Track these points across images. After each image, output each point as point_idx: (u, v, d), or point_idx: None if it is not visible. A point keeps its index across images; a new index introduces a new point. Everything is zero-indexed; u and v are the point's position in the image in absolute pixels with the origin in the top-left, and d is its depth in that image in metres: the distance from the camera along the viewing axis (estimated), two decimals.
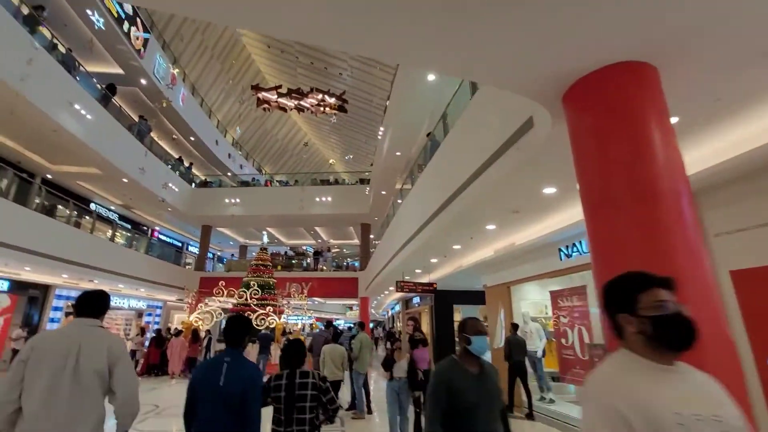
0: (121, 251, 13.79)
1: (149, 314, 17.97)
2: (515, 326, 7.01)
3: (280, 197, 17.96)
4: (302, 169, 24.90)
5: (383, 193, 14.55)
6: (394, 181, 13.71)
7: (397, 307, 18.81)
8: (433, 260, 8.30)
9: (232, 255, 25.56)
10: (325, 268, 19.92)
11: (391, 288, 13.91)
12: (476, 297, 12.35)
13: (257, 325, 12.48)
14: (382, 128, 11.50)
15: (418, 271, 9.64)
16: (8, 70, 7.90)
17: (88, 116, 10.77)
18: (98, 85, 12.06)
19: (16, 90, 8.29)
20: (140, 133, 14.05)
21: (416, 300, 14.72)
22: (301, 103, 22.52)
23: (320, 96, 21.91)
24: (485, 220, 5.55)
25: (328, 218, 18.21)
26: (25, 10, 9.26)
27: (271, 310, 13.07)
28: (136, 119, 14.58)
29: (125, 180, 13.32)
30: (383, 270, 11.55)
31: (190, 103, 18.24)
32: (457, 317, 12.40)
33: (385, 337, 12.56)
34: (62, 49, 10.36)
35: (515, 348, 6.52)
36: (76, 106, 10.33)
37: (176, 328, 14.26)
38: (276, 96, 22.53)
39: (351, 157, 22.89)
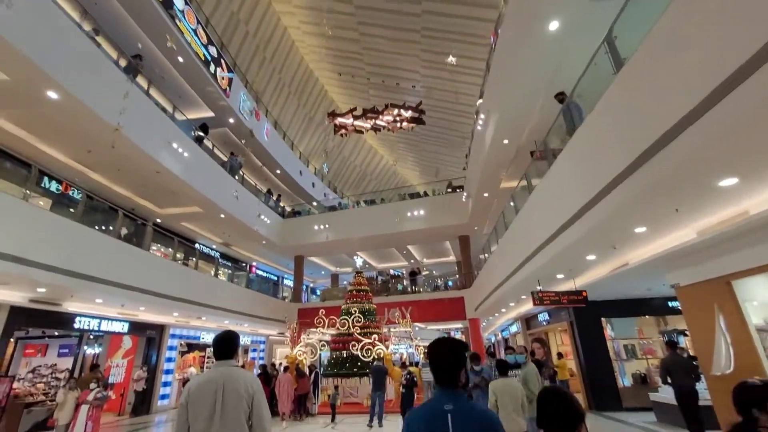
0: (224, 287, 13.82)
1: (254, 350, 17.92)
2: (673, 344, 6.26)
3: (369, 218, 17.07)
4: (383, 194, 24.19)
5: (485, 195, 12.72)
6: (499, 179, 11.84)
7: (513, 328, 16.31)
8: (590, 257, 6.24)
9: (324, 287, 25.40)
10: (421, 290, 18.36)
11: (512, 304, 11.77)
12: (631, 306, 9.72)
13: (363, 356, 11.23)
14: (482, 116, 9.88)
15: (559, 276, 7.58)
16: (113, 115, 8.03)
17: (186, 154, 10.94)
18: (193, 126, 12.46)
19: (126, 136, 8.47)
20: (232, 168, 14.28)
21: (543, 317, 12.29)
22: (377, 122, 21.97)
23: (396, 111, 21.14)
24: (717, 173, 3.55)
25: (423, 234, 16.75)
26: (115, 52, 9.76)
27: (376, 338, 11.78)
28: (227, 157, 14.94)
29: (222, 215, 13.45)
30: (505, 282, 9.59)
31: (273, 137, 18.62)
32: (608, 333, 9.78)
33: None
34: (162, 101, 10.83)
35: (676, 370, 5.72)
36: (174, 145, 10.52)
37: (281, 363, 13.67)
38: (352, 119, 22.32)
39: (438, 169, 21.50)
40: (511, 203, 9.52)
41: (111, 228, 9.53)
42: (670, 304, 9.75)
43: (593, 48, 5.60)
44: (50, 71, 6.87)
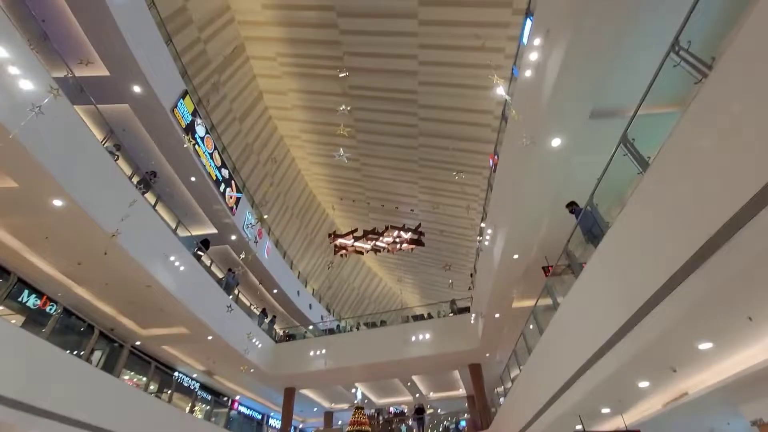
0: (200, 428, 11.68)
1: None
2: None
3: (370, 342, 15.63)
4: (383, 316, 22.93)
5: (497, 316, 11.83)
6: (511, 298, 11.16)
7: None
8: (643, 384, 5.23)
9: (315, 428, 21.93)
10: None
11: None
12: None
13: None
14: (488, 232, 9.79)
15: (605, 410, 6.32)
16: (112, 223, 7.82)
17: (182, 268, 10.43)
18: (194, 242, 12.26)
19: (122, 245, 8.13)
20: (228, 286, 13.60)
21: None
22: (377, 243, 22.24)
23: (395, 233, 21.58)
24: None
25: (430, 362, 15.10)
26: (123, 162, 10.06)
27: None
28: (224, 273, 14.39)
29: (211, 337, 12.21)
30: (535, 421, 8.08)
31: (273, 255, 18.40)
32: None
33: None
34: (166, 215, 10.86)
35: None
36: (172, 258, 10.10)
37: None
38: (352, 240, 22.62)
39: (452, 282, 20.73)
40: (531, 326, 8.72)
41: (82, 352, 8.40)
42: None
43: (600, 159, 5.75)
44: (62, 181, 6.87)
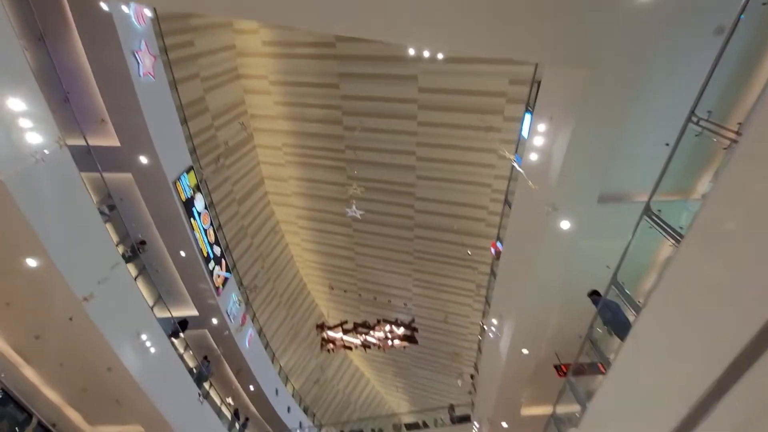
0: None
1: None
2: None
3: None
4: (372, 423, 20.19)
5: (504, 426, 10.39)
6: (520, 402, 9.94)
7: None
8: None
9: None
10: None
11: None
12: None
13: None
14: (494, 322, 9.10)
15: None
16: (85, 287, 7.11)
17: (152, 350, 9.27)
18: (172, 321, 11.20)
19: (88, 315, 7.29)
20: (200, 377, 12.07)
21: None
22: (368, 337, 20.87)
23: (387, 327, 20.41)
24: None
25: None
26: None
27: None
28: (198, 360, 12.90)
29: None
30: None
31: (255, 345, 16.86)
32: None
33: None
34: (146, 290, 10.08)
35: None
36: (143, 337, 9.04)
37: None
38: (341, 333, 21.25)
39: (461, 379, 18.67)
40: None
41: None
42: None
43: (610, 246, 5.60)
44: (44, 240, 6.39)
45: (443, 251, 18.57)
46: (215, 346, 14.72)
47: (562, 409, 7.52)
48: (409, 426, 14.42)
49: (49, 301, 7.11)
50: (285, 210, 20.89)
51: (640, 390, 4.55)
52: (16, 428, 7.26)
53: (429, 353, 23.54)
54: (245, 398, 16.84)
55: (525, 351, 8.39)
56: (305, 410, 22.06)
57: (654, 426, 4.08)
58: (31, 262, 6.61)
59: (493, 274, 9.45)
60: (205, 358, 13.14)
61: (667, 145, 5.82)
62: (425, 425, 14.40)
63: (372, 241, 20.07)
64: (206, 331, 14.25)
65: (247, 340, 15.79)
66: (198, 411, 11.55)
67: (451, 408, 14.80)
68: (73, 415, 10.04)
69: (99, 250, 7.67)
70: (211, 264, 12.89)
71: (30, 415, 7.59)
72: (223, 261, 13.88)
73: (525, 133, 7.25)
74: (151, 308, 9.75)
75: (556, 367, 8.53)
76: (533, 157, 6.32)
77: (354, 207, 8.07)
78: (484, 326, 11.08)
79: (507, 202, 8.15)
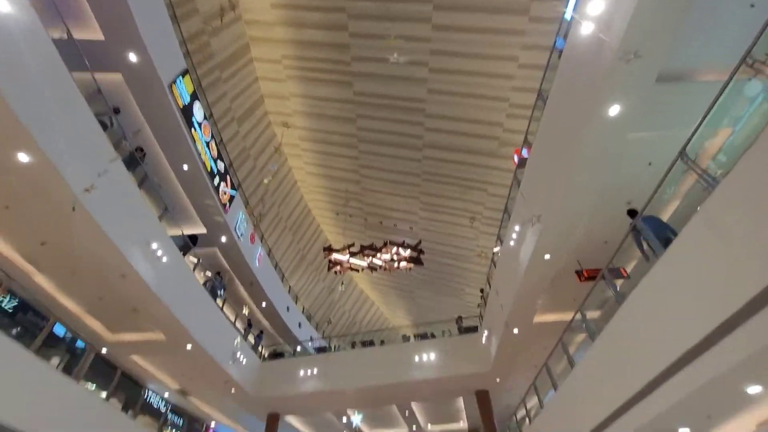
0: None
1: None
2: None
3: (367, 362, 14.08)
4: (380, 335, 21.18)
5: (516, 332, 10.64)
6: (534, 310, 10.05)
7: None
8: (755, 389, 4.11)
9: None
10: None
11: None
12: None
13: None
14: (516, 228, 8.79)
15: (683, 430, 5.15)
16: (85, 182, 6.61)
17: (164, 259, 9.10)
18: (182, 235, 10.96)
19: (93, 217, 6.88)
20: (213, 290, 12.17)
21: None
22: (374, 260, 21.05)
23: (394, 249, 20.47)
24: None
25: (434, 386, 13.57)
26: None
27: None
28: (212, 275, 12.95)
29: (190, 347, 10.64)
30: None
31: (265, 264, 17.01)
32: None
33: None
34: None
35: None
36: (154, 246, 8.79)
37: None
38: (348, 256, 21.40)
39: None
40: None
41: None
42: None
43: (659, 137, 4.97)
44: (36, 134, 5.73)
45: (453, 172, 17.99)
46: (226, 265, 14.76)
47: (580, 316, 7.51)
48: (417, 336, 15.01)
49: (49, 202, 6.66)
50: (287, 131, 19.89)
51: (675, 299, 4.27)
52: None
53: (433, 275, 24.08)
54: (258, 314, 17.40)
55: (547, 257, 8.19)
56: (315, 327, 23.14)
57: (710, 309, 3.83)
58: (23, 158, 6.03)
59: (516, 180, 8.95)
60: (218, 273, 13.18)
61: (753, 6, 4.93)
62: (432, 336, 14.97)
63: (378, 162, 19.38)
64: (216, 249, 14.16)
65: (257, 259, 15.85)
66: (216, 321, 11.82)
67: (459, 319, 15.31)
68: (94, 324, 10.19)
69: (94, 146, 7.05)
70: (216, 179, 12.36)
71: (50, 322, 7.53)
72: (228, 177, 13.34)
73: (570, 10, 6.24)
74: (159, 218, 9.40)
75: (577, 272, 8.41)
76: (585, 29, 5.41)
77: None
78: (500, 239, 10.88)
79: (541, 97, 7.36)
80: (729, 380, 4.01)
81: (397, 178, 19.77)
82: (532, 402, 10.59)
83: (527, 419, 10.60)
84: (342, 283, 18.98)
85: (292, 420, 16.53)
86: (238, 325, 14.10)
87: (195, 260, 11.64)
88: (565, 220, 7.50)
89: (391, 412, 16.48)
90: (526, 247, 8.41)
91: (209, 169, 11.89)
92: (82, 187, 6.22)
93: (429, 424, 17.68)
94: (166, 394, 13.61)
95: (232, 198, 13.52)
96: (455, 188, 18.68)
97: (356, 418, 9.92)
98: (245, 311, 16.30)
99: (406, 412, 16.19)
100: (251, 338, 15.17)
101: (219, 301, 12.57)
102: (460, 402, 15.78)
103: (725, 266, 3.75)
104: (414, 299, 28.62)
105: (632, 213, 6.90)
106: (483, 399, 13.74)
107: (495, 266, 11.05)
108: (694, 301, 4.18)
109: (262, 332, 16.47)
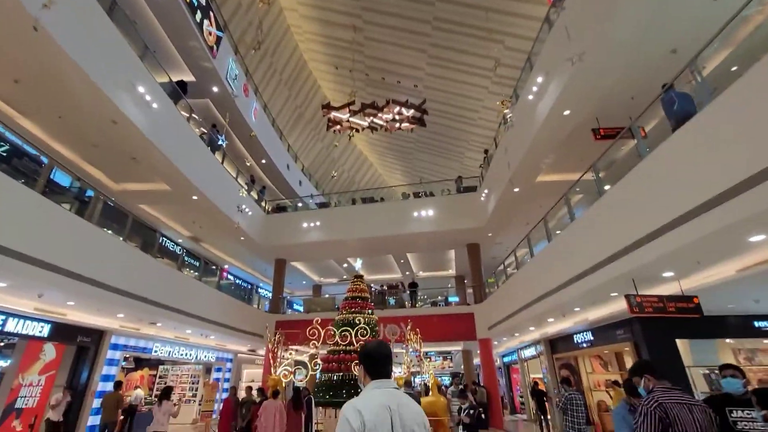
0: (191, 285, 11.06)
1: (218, 369, 14.86)
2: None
3: (368, 217, 14.79)
4: (380, 193, 21.84)
5: (516, 190, 10.82)
6: (539, 169, 10.00)
7: (529, 352, 14.21)
8: (757, 238, 4.25)
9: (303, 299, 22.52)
10: (420, 304, 16.12)
11: (551, 320, 9.68)
12: (709, 326, 7.89)
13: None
14: (539, 80, 8.01)
15: (667, 274, 5.60)
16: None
17: (155, 105, 8.46)
18: (168, 75, 10.00)
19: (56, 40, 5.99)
20: (212, 143, 11.82)
21: (584, 337, 10.29)
22: (375, 120, 20.11)
23: (397, 108, 19.36)
24: None
25: (430, 238, 14.60)
26: None
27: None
28: (207, 129, 12.43)
29: (195, 197, 10.85)
30: (556, 292, 7.57)
31: (262, 120, 16.29)
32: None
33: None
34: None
35: None
36: (141, 90, 8.05)
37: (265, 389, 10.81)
38: (348, 114, 20.36)
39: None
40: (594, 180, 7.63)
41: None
42: (756, 324, 8.03)
43: None
44: None
45: (468, 19, 15.76)
46: (221, 118, 14.03)
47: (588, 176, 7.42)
48: (417, 194, 15.45)
49: (8, 24, 5.69)
50: None
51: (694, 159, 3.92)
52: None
53: (435, 138, 23.52)
54: (259, 171, 17.46)
55: (567, 112, 7.67)
56: (315, 186, 23.69)
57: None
58: None
59: (547, 21, 7.75)
60: (213, 126, 12.61)
61: None
62: (431, 194, 15.41)
63: (383, 5, 16.77)
64: (208, 101, 13.26)
65: (252, 113, 15.05)
66: (217, 173, 11.80)
67: (459, 179, 15.54)
68: (95, 173, 10.12)
69: None
70: (198, 15, 10.69)
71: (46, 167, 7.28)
72: (211, 14, 11.55)
73: None
74: (140, 58, 8.37)
75: (594, 130, 8.03)
76: None
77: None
78: (516, 94, 10.09)
79: None
80: (735, 230, 4.08)
81: (405, 25, 17.41)
82: (520, 252, 11.44)
83: (516, 267, 11.65)
84: (337, 140, 18.45)
85: (297, 265, 18.28)
86: (241, 180, 14.21)
87: (187, 111, 10.92)
88: (593, 74, 6.73)
89: (388, 260, 18.15)
90: (546, 101, 7.79)
91: (188, 0, 10.15)
92: (40, 1, 5.19)
93: (421, 271, 19.76)
94: (180, 241, 14.58)
95: (219, 40, 11.97)
96: (469, 39, 16.63)
97: (358, 264, 10.91)
98: (248, 165, 16.22)
99: (401, 260, 17.82)
100: (254, 194, 15.52)
101: (219, 156, 12.35)
102: (451, 253, 17.25)
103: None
104: (412, 162, 28.68)
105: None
106: (473, 251, 14.97)
107: (506, 124, 10.53)
108: (710, 163, 3.98)
109: (264, 188, 16.79)
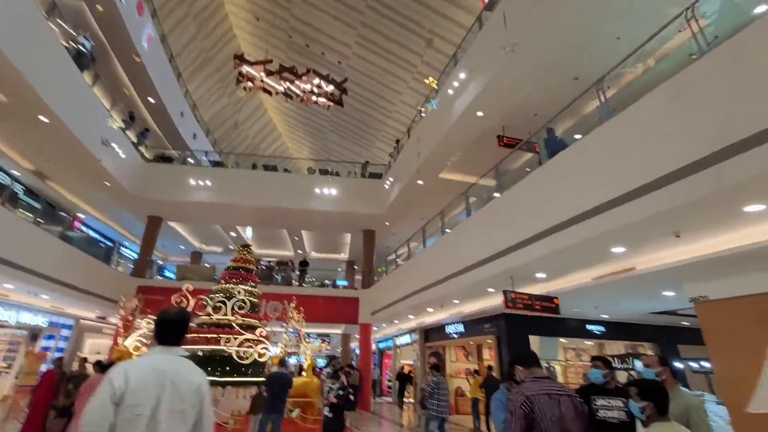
0: (21, 229, 8.75)
1: (50, 336, 12.26)
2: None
3: (267, 185, 13.68)
4: (284, 163, 20.32)
5: (420, 183, 11.07)
6: (443, 166, 10.35)
7: (404, 339, 14.86)
8: (617, 249, 4.86)
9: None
10: (308, 284, 15.66)
11: (430, 309, 10.13)
12: (553, 325, 9.12)
13: (240, 357, 8.04)
14: (461, 76, 8.16)
15: (539, 276, 6.16)
16: None
17: None
18: None
19: None
20: (80, 57, 9.52)
21: (455, 329, 11.03)
22: (292, 87, 18.85)
23: (317, 80, 18.41)
24: None
25: (330, 218, 14.14)
26: None
27: (262, 334, 8.73)
28: (76, 35, 9.97)
29: (44, 119, 8.57)
30: (439, 284, 7.91)
31: (157, 51, 13.82)
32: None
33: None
34: None
35: None
36: None
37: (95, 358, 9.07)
38: (263, 73, 18.67)
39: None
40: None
41: None
42: (588, 327, 9.52)
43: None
44: None
45: (405, 10, 15.64)
46: (99, 31, 11.41)
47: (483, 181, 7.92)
48: (323, 171, 14.84)
49: None
50: None
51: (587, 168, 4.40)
52: None
53: (349, 121, 23.07)
54: (143, 109, 14.83)
55: (480, 113, 8.00)
56: (213, 144, 21.27)
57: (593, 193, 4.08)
58: None
59: (479, 21, 7.93)
60: (85, 36, 10.18)
61: None
62: (337, 174, 14.99)
63: None
64: (83, 3, 10.63)
65: (145, 38, 12.63)
66: (82, 93, 9.55)
67: (366, 164, 15.40)
68: None
69: None
70: None
71: None
72: None
73: None
74: None
75: (499, 137, 8.55)
76: None
77: None
78: (436, 87, 10.25)
79: None
80: (600, 241, 4.61)
81: None
82: (413, 245, 11.79)
83: (408, 258, 11.97)
84: (245, 90, 16.72)
85: (176, 226, 16.16)
86: (116, 114, 11.80)
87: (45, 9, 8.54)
88: (512, 81, 7.11)
89: (281, 235, 17.21)
90: (464, 99, 8.02)
91: None
92: None
93: (313, 252, 19.23)
94: (16, 172, 11.56)
95: None
96: (400, 30, 16.54)
97: (248, 232, 9.96)
98: (126, 94, 13.52)
99: (296, 237, 17.06)
100: (133, 135, 13.08)
101: (88, 77, 10.01)
102: (347, 237, 17.13)
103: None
104: (323, 141, 27.78)
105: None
106: (369, 237, 15.05)
107: (422, 116, 10.65)
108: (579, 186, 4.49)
109: (147, 130, 14.32)
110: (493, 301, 8.47)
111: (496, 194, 6.92)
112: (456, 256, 7.53)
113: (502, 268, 6.03)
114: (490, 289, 7.37)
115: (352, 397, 4.78)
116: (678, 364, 9.16)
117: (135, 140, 13.01)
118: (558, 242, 4.92)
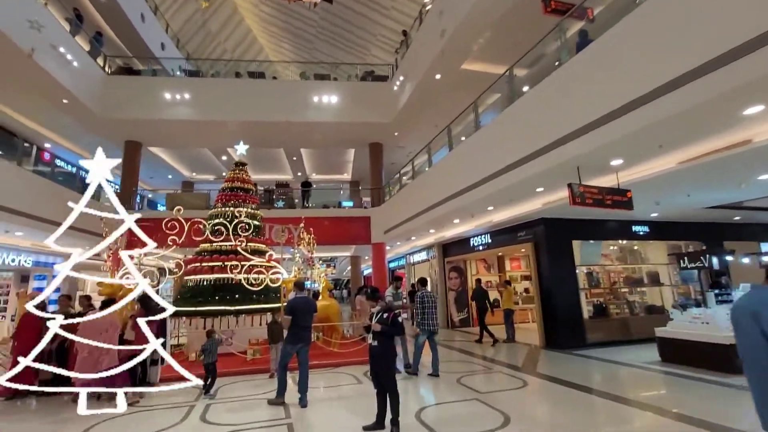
0: None
1: (40, 277, 11.42)
2: None
3: (256, 95, 11.78)
4: (274, 68, 17.68)
5: (438, 77, 9.32)
6: (467, 53, 8.54)
7: (420, 256, 14.22)
8: (754, 109, 3.55)
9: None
10: (312, 205, 14.57)
11: (456, 221, 9.08)
12: (598, 228, 8.21)
13: (250, 283, 7.15)
14: None
15: (614, 163, 4.94)
16: None
17: None
18: None
19: None
20: None
21: (481, 240, 10.16)
22: None
23: None
24: None
25: (331, 130, 12.49)
26: None
27: (272, 257, 7.81)
28: None
29: None
30: (472, 189, 6.70)
31: None
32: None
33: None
34: None
35: None
36: None
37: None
38: None
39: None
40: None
41: None
42: (634, 228, 8.61)
43: None
44: None
45: None
46: None
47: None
48: (318, 76, 12.81)
49: None
50: None
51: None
52: None
53: (339, 24, 19.99)
54: (93, 11, 12.27)
55: None
56: (186, 57, 18.57)
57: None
58: None
59: None
60: None
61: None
62: (335, 79, 12.98)
63: None
64: None
65: None
66: None
67: (371, 73, 13.25)
68: None
69: None
70: None
71: None
72: None
73: None
74: None
75: (544, 1, 6.70)
76: None
77: None
78: None
79: None
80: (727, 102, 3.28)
81: None
82: (424, 158, 10.38)
83: (427, 167, 10.67)
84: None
85: (159, 153, 14.53)
86: (53, 11, 9.50)
87: None
88: None
89: (278, 156, 15.66)
90: None
91: None
92: None
93: (314, 173, 17.81)
94: None
95: None
96: None
97: (241, 148, 8.46)
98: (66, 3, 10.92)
99: (294, 158, 15.54)
100: (82, 41, 10.80)
101: None
102: (350, 155, 15.64)
103: None
104: (311, 52, 24.66)
105: None
106: (376, 151, 13.59)
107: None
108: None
109: (101, 35, 11.91)
110: (532, 206, 7.41)
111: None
112: (497, 152, 6.19)
113: (565, 158, 4.76)
114: (539, 189, 6.20)
115: (400, 318, 3.85)
116: (729, 257, 8.48)
117: (89, 48, 10.82)
118: (660, 112, 3.58)
